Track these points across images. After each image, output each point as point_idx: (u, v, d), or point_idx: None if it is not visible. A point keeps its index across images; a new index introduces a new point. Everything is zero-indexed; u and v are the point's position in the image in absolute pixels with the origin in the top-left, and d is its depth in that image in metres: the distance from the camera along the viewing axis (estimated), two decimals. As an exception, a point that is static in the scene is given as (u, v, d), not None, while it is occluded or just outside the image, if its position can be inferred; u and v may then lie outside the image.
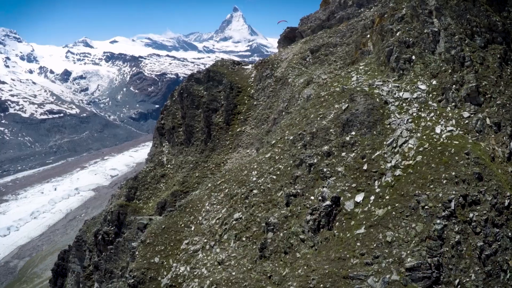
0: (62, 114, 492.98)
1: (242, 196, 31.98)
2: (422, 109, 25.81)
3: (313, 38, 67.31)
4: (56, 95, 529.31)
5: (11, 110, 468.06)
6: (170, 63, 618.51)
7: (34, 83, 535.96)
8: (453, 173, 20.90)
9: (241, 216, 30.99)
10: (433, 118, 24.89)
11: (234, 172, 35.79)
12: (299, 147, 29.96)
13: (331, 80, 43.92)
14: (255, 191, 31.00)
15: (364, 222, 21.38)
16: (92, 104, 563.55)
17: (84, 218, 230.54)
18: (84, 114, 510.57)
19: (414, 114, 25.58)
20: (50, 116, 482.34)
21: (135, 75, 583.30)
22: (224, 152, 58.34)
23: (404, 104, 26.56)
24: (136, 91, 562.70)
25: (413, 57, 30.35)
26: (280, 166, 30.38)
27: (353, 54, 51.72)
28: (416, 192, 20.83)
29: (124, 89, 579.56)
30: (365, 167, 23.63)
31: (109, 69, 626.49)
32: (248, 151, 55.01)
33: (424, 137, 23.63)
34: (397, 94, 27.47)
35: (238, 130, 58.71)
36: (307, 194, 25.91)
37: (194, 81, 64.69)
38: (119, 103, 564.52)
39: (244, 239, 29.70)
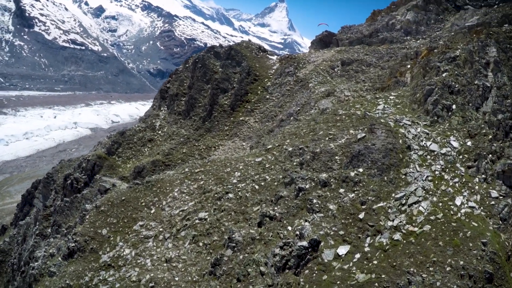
0: (83, 48, 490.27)
1: (216, 195, 27.83)
2: (447, 170, 21.44)
3: (348, 50, 62.75)
4: (83, 28, 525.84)
5: (36, 29, 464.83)
6: (203, 31, 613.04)
7: (66, 9, 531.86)
8: (461, 262, 16.62)
9: (206, 217, 26.89)
10: (456, 185, 20.54)
11: (216, 165, 31.55)
12: (294, 163, 25.71)
13: (354, 99, 39.54)
14: (230, 195, 26.84)
15: (338, 283, 17.19)
16: (116, 47, 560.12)
17: (74, 153, 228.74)
18: (105, 54, 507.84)
19: (437, 172, 21.22)
20: (72, 46, 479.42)
21: (165, 32, 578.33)
22: (219, 136, 54.14)
23: (428, 157, 22.20)
24: (162, 47, 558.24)
25: (454, 106, 25.93)
26: (267, 177, 26.15)
27: (385, 80, 47.37)
28: (411, 269, 16.60)
29: (151, 42, 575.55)
30: (361, 215, 19.35)
31: (142, 18, 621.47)
32: (244, 143, 50.83)
33: (440, 204, 19.31)
34: (424, 142, 23.08)
35: (241, 118, 54.42)
36: (285, 222, 21.73)
37: (213, 54, 60.28)
38: (141, 54, 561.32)
39: (201, 244, 25.66)
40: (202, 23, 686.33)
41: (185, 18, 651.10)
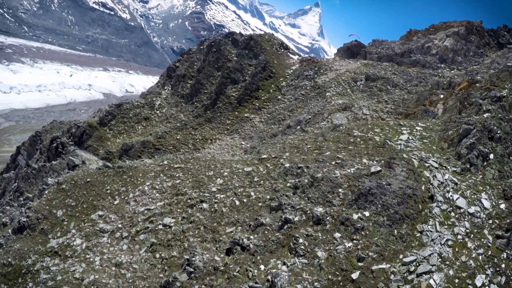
0: (113, 13, 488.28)
1: (189, 201, 23.31)
2: (472, 236, 16.63)
3: (375, 65, 57.92)
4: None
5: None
6: (233, 20, 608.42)
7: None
8: None
9: (172, 225, 22.43)
10: (480, 258, 15.74)
11: (199, 164, 27.00)
12: (288, 185, 21.07)
13: (373, 121, 34.83)
14: (205, 206, 22.32)
15: None
16: (144, 18, 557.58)
17: (82, 114, 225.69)
18: (132, 23, 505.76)
19: (459, 236, 16.44)
20: (101, 9, 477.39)
21: (196, 13, 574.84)
22: (219, 129, 49.66)
23: (452, 214, 17.43)
24: (189, 28, 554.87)
25: (492, 155, 21.12)
26: (252, 194, 21.56)
27: (410, 106, 42.63)
28: None
29: (180, 20, 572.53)
30: (355, 275, 14.66)
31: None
32: (243, 142, 46.35)
33: (457, 281, 14.57)
34: (450, 193, 18.28)
35: (246, 115, 49.86)
36: (258, 258, 17.15)
37: (230, 40, 55.72)
38: (168, 30, 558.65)
39: (157, 256, 21.23)
40: (234, 11, 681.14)
41: (218, 4, 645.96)
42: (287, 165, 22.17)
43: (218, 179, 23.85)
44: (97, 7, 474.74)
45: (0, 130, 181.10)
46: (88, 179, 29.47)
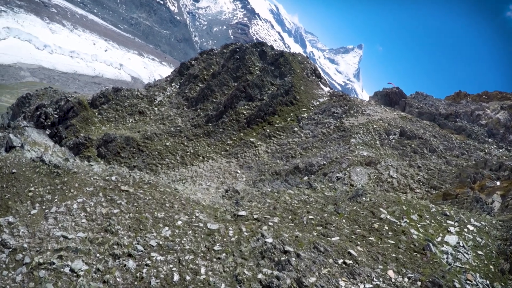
0: (162, 2, 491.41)
1: (114, 248, 15.46)
2: None
3: (414, 121, 49.86)
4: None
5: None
6: (275, 41, 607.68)
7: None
8: None
9: (80, 274, 14.65)
10: None
11: (155, 196, 19.14)
12: (258, 277, 13.02)
13: (407, 198, 26.73)
14: (130, 264, 14.46)
15: None
16: (190, 16, 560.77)
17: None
18: (178, 17, 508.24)
19: None
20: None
21: (241, 24, 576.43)
22: (216, 147, 41.96)
23: None
24: (232, 36, 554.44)
25: None
26: (201, 271, 13.59)
27: (447, 181, 34.32)
28: None
29: (224, 27, 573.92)
30: None
31: (227, 2, 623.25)
32: (238, 171, 38.56)
33: None
34: None
35: (251, 139, 42.14)
36: None
37: (258, 51, 48.41)
38: (210, 33, 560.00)
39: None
40: (279, 32, 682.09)
41: (265, 21, 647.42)
42: (270, 240, 14.12)
43: (166, 228, 15.91)
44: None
45: (21, 83, 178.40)
46: (13, 170, 21.94)
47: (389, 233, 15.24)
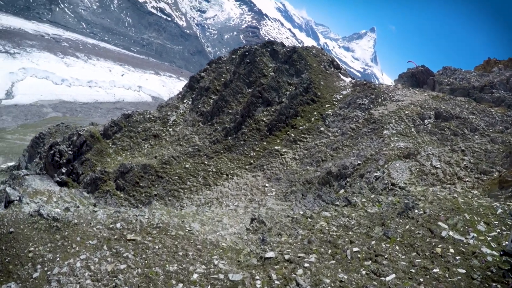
0: (169, 19, 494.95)
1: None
2: None
3: (447, 100, 45.16)
4: (175, 0, 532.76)
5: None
6: (287, 38, 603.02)
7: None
8: None
9: None
10: None
11: (166, 243, 16.04)
12: None
13: (447, 182, 22.90)
14: None
15: None
16: (200, 27, 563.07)
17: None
18: (187, 31, 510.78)
19: None
20: (159, 14, 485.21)
21: (251, 28, 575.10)
22: (239, 162, 38.90)
23: None
24: (244, 41, 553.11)
25: None
26: None
27: (497, 162, 29.95)
28: None
29: (235, 33, 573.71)
30: None
31: (233, 8, 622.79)
32: (267, 185, 35.34)
33: None
34: None
35: (276, 147, 38.84)
36: None
37: (269, 51, 45.06)
38: (222, 42, 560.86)
39: None
40: (289, 29, 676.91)
41: (274, 20, 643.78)
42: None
43: (180, 285, 12.84)
44: (155, 11, 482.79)
45: (45, 120, 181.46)
46: (11, 229, 19.46)
47: (457, 258, 11.69)
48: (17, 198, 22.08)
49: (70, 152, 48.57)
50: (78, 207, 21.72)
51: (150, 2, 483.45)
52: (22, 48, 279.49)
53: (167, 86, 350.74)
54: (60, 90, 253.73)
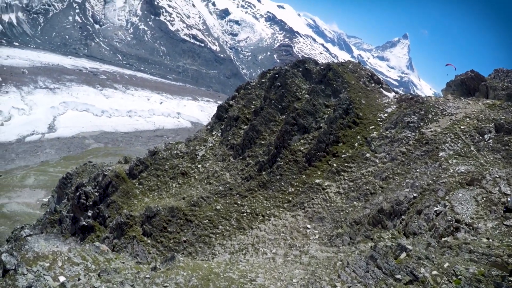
0: (202, 45, 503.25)
1: None
2: None
3: (506, 108, 38.42)
4: (206, 26, 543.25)
5: (162, 18, 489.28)
6: (321, 53, 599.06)
7: (193, 5, 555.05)
8: None
9: None
10: None
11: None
12: None
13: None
14: None
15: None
16: (233, 50, 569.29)
17: (170, 141, 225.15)
18: (222, 55, 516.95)
19: None
20: (192, 41, 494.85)
21: (284, 46, 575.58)
22: (276, 200, 34.30)
23: None
24: (278, 60, 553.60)
25: None
26: None
27: None
28: None
29: (268, 53, 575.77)
30: None
31: (264, 29, 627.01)
32: (308, 226, 30.58)
33: None
34: None
35: (317, 180, 34.02)
36: None
37: (301, 71, 40.63)
38: (256, 62, 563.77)
39: None
40: (322, 44, 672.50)
41: (305, 37, 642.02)
42: None
43: None
44: (188, 38, 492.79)
45: (87, 151, 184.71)
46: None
47: None
48: (13, 267, 18.52)
49: (96, 193, 46.00)
50: (79, 279, 17.91)
51: (182, 30, 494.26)
52: (61, 83, 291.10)
53: (205, 110, 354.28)
54: (101, 121, 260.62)
